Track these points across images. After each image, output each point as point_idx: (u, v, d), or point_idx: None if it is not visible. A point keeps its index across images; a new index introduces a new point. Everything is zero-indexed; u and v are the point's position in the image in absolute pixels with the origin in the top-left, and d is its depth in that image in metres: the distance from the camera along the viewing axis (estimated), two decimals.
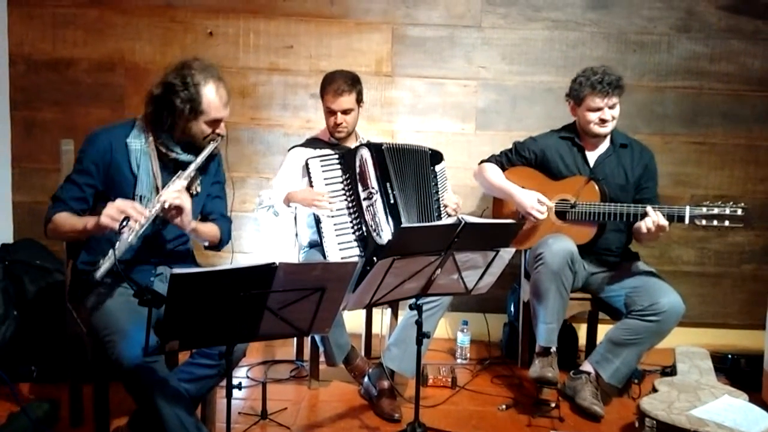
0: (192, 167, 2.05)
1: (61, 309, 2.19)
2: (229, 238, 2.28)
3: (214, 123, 2.06)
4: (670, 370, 2.89)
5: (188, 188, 2.08)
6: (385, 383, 2.52)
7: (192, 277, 1.52)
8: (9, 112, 3.29)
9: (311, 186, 2.59)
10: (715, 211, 2.39)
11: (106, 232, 1.88)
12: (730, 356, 2.97)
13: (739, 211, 2.39)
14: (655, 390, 2.66)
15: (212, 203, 2.24)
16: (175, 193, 1.95)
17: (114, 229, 1.85)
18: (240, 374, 2.79)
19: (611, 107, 2.60)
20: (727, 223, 2.40)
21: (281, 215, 2.72)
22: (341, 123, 2.68)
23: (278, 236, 3.29)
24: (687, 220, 2.42)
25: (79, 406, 2.27)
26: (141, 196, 2.03)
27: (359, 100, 2.71)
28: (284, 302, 1.65)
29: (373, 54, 3.28)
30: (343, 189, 2.60)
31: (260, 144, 3.33)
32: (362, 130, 2.92)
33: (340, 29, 3.27)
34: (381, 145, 2.63)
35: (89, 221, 1.92)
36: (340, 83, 2.64)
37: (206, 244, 2.20)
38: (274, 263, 1.56)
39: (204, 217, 2.23)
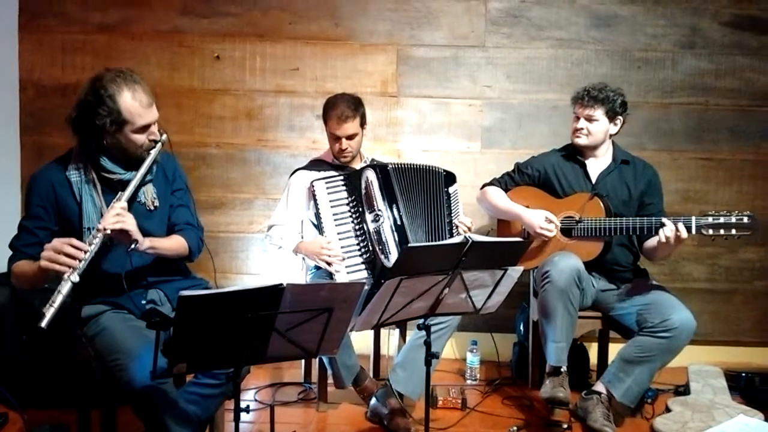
0: (132, 185, 1.94)
1: (70, 333, 2.19)
2: (200, 247, 2.16)
3: (143, 130, 1.95)
4: (683, 389, 2.85)
5: (136, 203, 2.00)
6: (394, 402, 2.50)
7: (200, 299, 1.52)
8: (19, 137, 3.33)
9: (317, 209, 2.58)
10: (722, 220, 2.38)
11: (53, 275, 1.79)
12: (744, 374, 2.92)
13: (746, 219, 2.37)
14: (668, 410, 2.63)
15: (176, 213, 2.14)
16: (114, 217, 1.85)
17: (59, 271, 1.77)
18: (248, 397, 2.77)
19: (588, 119, 2.65)
20: (734, 231, 2.38)
21: (290, 257, 2.71)
22: (346, 148, 2.66)
23: (285, 257, 3.29)
24: (694, 231, 2.40)
25: (86, 431, 2.26)
26: (88, 228, 1.94)
27: (363, 124, 2.69)
28: (292, 323, 1.64)
29: (378, 75, 3.31)
30: (350, 211, 2.59)
31: (267, 165, 3.35)
32: (368, 151, 2.93)
33: (346, 51, 3.30)
34: (386, 165, 2.63)
35: (35, 265, 1.82)
36: (344, 109, 2.61)
37: (175, 258, 2.10)
38: (281, 284, 1.55)
39: (170, 229, 2.13)
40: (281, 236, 2.67)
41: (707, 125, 3.28)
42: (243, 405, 1.74)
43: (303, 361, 2.96)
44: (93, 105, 1.89)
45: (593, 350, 3.03)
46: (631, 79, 3.26)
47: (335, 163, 2.75)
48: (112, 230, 1.84)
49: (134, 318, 1.99)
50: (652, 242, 2.56)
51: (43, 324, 1.72)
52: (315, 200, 2.58)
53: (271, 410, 2.26)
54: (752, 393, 2.84)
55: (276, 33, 3.30)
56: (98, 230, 1.84)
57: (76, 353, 2.16)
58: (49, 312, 1.74)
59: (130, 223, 1.87)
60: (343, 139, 2.65)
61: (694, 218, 2.40)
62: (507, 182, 2.82)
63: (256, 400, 2.77)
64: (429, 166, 2.68)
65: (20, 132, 3.33)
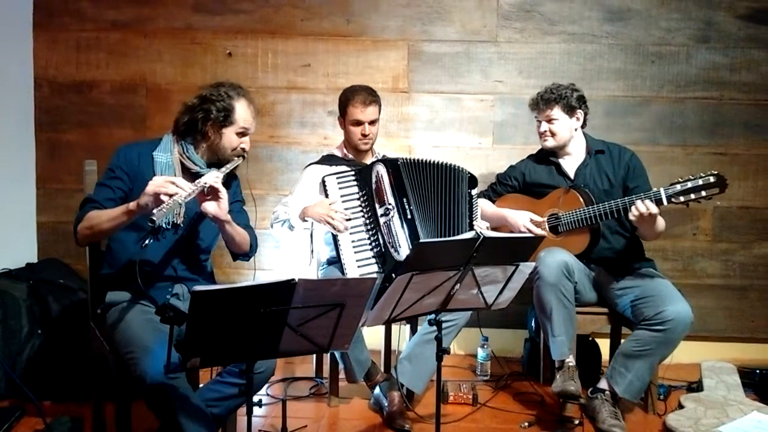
0: (225, 168, 2.11)
1: (85, 327, 2.22)
2: (257, 247, 2.32)
3: (242, 134, 2.17)
4: (696, 386, 2.84)
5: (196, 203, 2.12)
6: (395, 394, 2.52)
7: (213, 294, 1.53)
8: (34, 134, 3.36)
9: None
10: (689, 185, 2.35)
11: (149, 206, 1.87)
12: (758, 371, 2.90)
13: (712, 179, 2.33)
14: (681, 406, 2.62)
15: (236, 216, 2.24)
16: (215, 178, 2.01)
17: (159, 196, 1.86)
18: (260, 392, 2.79)
19: (549, 120, 2.69)
20: (704, 193, 2.34)
21: (296, 229, 2.69)
22: (368, 134, 2.68)
23: (297, 253, 3.30)
24: (665, 202, 2.36)
25: (101, 424, 2.29)
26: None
27: (380, 113, 2.74)
28: (304, 319, 1.66)
29: (389, 71, 3.31)
30: (360, 205, 2.60)
31: (279, 161, 3.36)
32: (379, 147, 2.93)
33: (357, 47, 3.30)
34: (397, 160, 2.63)
35: (130, 203, 1.92)
36: (366, 95, 2.67)
37: (237, 249, 2.21)
38: (293, 279, 1.56)
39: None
40: (285, 211, 2.68)
41: (722, 120, 3.25)
42: (255, 399, 1.75)
43: (314, 356, 2.98)
44: (212, 99, 2.13)
45: (606, 347, 3.02)
46: (645, 73, 3.24)
47: (347, 157, 2.76)
48: (210, 185, 1.98)
49: (153, 311, 2.01)
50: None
51: (155, 217, 1.83)
52: (326, 195, 2.59)
53: (283, 405, 2.29)
54: (766, 390, 2.82)
55: (288, 29, 3.31)
56: (201, 181, 1.99)
57: (92, 347, 2.19)
58: (162, 210, 1.84)
59: (224, 190, 2.02)
60: (366, 124, 2.67)
61: (662, 189, 2.38)
62: (491, 194, 2.89)
63: (268, 395, 2.79)
64: (452, 165, 2.65)
65: (35, 129, 3.37)
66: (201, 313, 1.54)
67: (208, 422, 1.89)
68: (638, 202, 2.37)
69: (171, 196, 1.87)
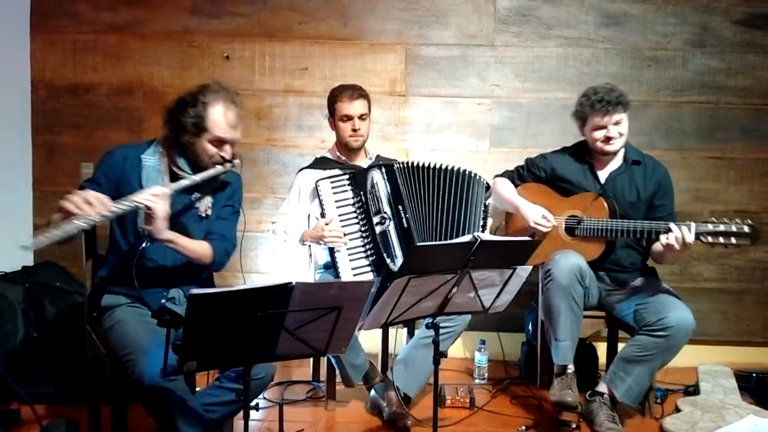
0: (184, 182, 2.02)
1: (81, 331, 2.21)
2: (224, 260, 2.18)
3: (218, 144, 2.06)
4: (693, 390, 2.84)
5: (192, 207, 2.10)
6: (393, 395, 2.52)
7: (210, 298, 1.53)
8: (31, 137, 3.35)
9: (322, 209, 2.56)
10: (721, 228, 2.31)
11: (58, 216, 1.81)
12: (754, 375, 2.90)
13: (746, 228, 2.29)
14: (678, 410, 2.62)
15: (215, 224, 2.17)
16: (149, 195, 1.90)
17: (70, 211, 1.81)
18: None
19: (616, 124, 2.57)
20: (733, 240, 2.30)
21: (295, 248, 2.70)
22: (359, 128, 2.65)
23: (293, 256, 3.30)
24: (693, 237, 2.33)
25: (97, 428, 2.28)
26: None
27: (369, 111, 2.72)
28: (301, 322, 1.65)
29: (387, 74, 3.31)
30: (355, 211, 2.57)
31: (276, 164, 3.36)
32: (377, 150, 2.93)
33: (354, 51, 3.31)
34: (393, 165, 2.61)
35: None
36: (353, 91, 2.67)
37: (197, 262, 2.11)
38: (291, 283, 1.56)
39: (204, 237, 2.16)
40: (284, 229, 2.66)
41: (718, 124, 3.26)
42: (252, 403, 1.75)
43: (311, 359, 2.97)
44: (187, 104, 2.04)
45: (602, 350, 3.02)
46: (641, 77, 3.25)
47: (340, 160, 2.75)
48: (138, 203, 1.89)
49: (149, 315, 2.00)
50: (659, 246, 2.47)
51: (29, 245, 1.76)
52: (320, 200, 2.56)
53: (279, 408, 2.28)
54: (763, 393, 2.82)
55: (285, 33, 3.31)
56: (129, 199, 1.90)
57: (87, 350, 2.18)
58: (38, 239, 1.75)
59: (159, 209, 1.90)
60: (356, 119, 2.64)
61: (693, 224, 2.34)
62: (515, 177, 2.82)
63: (265, 398, 2.78)
64: (462, 170, 2.62)
65: (32, 132, 3.35)
66: (198, 316, 1.53)
67: (206, 425, 1.88)
68: (683, 228, 2.31)
69: (71, 214, 1.80)
